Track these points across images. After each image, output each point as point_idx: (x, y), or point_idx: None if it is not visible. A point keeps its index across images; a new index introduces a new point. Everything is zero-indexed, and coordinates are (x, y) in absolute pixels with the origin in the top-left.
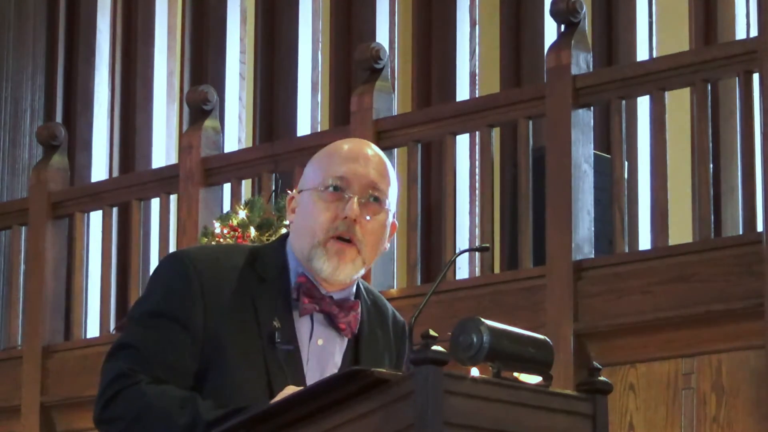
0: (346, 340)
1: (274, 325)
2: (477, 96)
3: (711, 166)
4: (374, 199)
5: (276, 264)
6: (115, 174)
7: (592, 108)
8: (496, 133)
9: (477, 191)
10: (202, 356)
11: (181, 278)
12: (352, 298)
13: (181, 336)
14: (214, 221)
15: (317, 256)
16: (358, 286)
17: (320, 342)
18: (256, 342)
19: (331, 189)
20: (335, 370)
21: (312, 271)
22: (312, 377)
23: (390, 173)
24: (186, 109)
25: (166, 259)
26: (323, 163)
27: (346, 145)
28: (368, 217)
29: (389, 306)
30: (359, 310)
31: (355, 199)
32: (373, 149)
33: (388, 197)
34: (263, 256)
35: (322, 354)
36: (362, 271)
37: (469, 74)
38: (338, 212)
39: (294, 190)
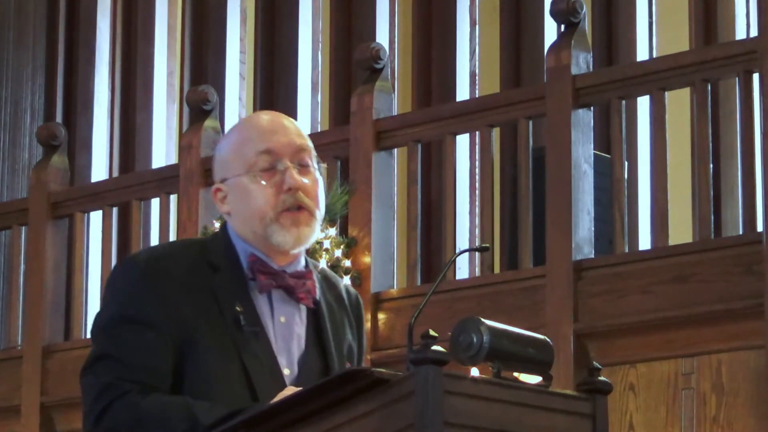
0: (305, 312)
1: (236, 310)
2: (477, 96)
3: (711, 166)
4: (305, 162)
5: (225, 251)
6: (115, 174)
7: (592, 108)
8: (496, 133)
9: (477, 191)
10: (175, 353)
11: (138, 281)
12: (304, 269)
13: (152, 338)
14: (214, 221)
15: (275, 232)
16: (306, 260)
17: (282, 319)
18: (223, 329)
19: (262, 167)
20: (302, 345)
21: (272, 247)
22: (280, 355)
23: (301, 129)
24: (186, 109)
25: (119, 266)
26: (242, 145)
27: (257, 121)
28: (306, 180)
29: (338, 278)
30: (314, 277)
31: (291, 168)
32: (283, 116)
33: (314, 154)
34: (211, 245)
35: (286, 331)
36: (318, 231)
37: (469, 74)
38: (278, 187)
39: (216, 183)
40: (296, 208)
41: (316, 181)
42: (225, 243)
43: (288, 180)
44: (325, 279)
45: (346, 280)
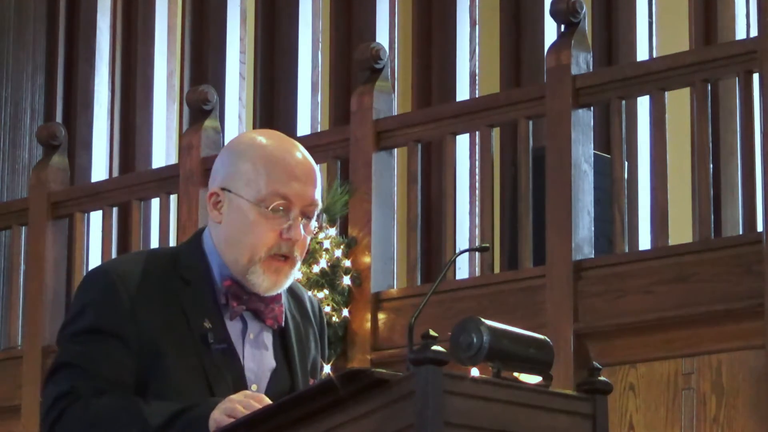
0: (272, 330)
1: (204, 326)
2: (477, 96)
3: (711, 166)
4: (311, 215)
5: (197, 266)
6: (115, 174)
7: (592, 108)
8: (496, 133)
9: (477, 191)
10: (141, 367)
11: (108, 292)
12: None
13: (119, 350)
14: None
15: (255, 273)
16: None
17: (252, 336)
18: (190, 345)
19: (275, 209)
20: (272, 360)
21: (246, 282)
22: (250, 370)
23: (319, 178)
24: (186, 109)
25: (90, 276)
26: (263, 172)
27: (286, 156)
28: (305, 234)
29: (303, 289)
30: (282, 301)
31: (300, 223)
32: (305, 156)
33: (320, 206)
34: (183, 258)
35: (256, 346)
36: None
37: (469, 74)
38: (282, 232)
39: (218, 186)
40: (284, 258)
41: (310, 234)
42: (198, 257)
43: (292, 232)
44: (291, 293)
45: (346, 280)
